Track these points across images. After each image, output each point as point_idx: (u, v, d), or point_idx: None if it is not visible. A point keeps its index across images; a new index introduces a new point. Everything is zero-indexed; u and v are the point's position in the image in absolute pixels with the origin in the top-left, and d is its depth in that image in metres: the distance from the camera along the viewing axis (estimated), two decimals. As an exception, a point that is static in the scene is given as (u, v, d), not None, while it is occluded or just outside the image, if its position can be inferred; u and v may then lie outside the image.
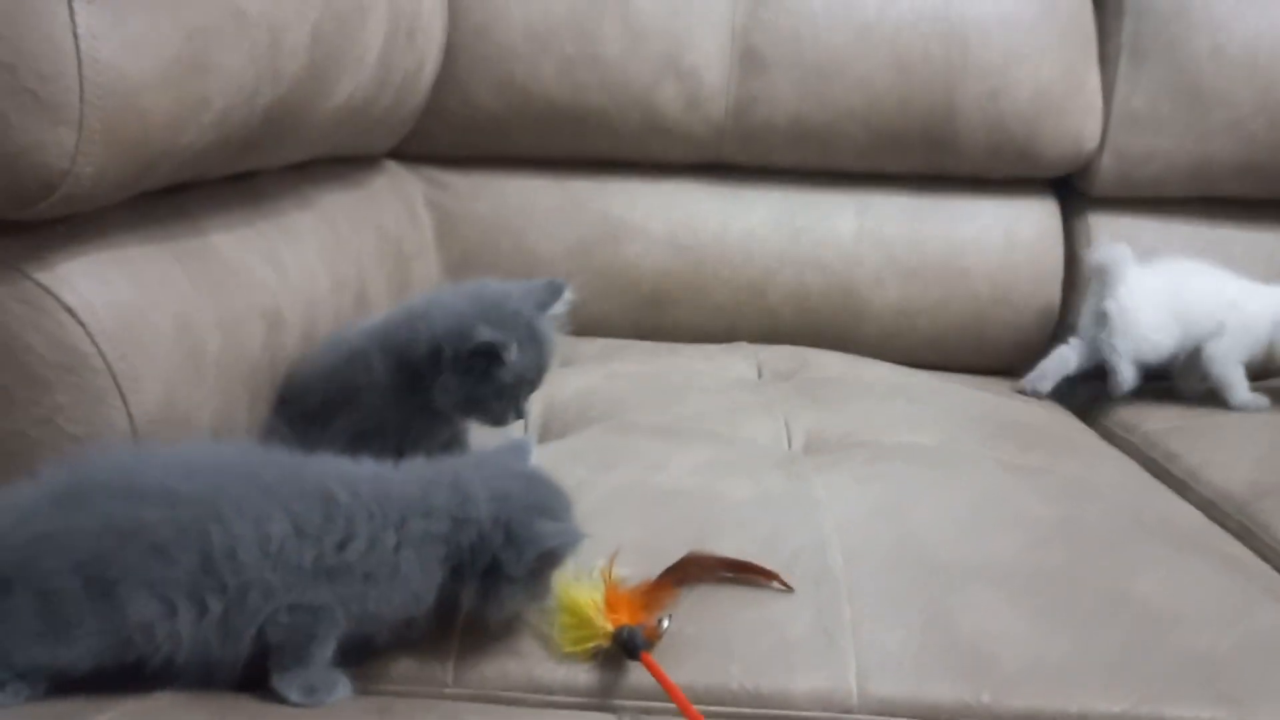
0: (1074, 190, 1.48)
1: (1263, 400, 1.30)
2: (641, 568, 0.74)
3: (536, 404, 1.09)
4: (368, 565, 0.61)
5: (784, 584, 0.75)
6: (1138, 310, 1.28)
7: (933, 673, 0.68)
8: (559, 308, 0.87)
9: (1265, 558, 0.95)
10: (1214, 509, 1.06)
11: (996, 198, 1.46)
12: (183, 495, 0.59)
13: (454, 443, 0.88)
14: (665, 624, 0.68)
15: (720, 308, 1.44)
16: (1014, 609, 0.74)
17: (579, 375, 1.18)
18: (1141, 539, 0.86)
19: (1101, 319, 1.30)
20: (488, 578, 0.64)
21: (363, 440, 0.77)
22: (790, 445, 1.05)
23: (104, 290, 0.67)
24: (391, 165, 1.37)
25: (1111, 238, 1.44)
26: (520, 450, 0.72)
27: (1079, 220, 1.47)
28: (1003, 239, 1.44)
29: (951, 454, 1.00)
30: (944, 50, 1.34)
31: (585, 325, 1.43)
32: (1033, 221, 1.45)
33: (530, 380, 0.84)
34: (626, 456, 0.93)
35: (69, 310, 0.64)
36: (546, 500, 0.67)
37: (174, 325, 0.71)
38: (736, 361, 1.33)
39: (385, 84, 1.00)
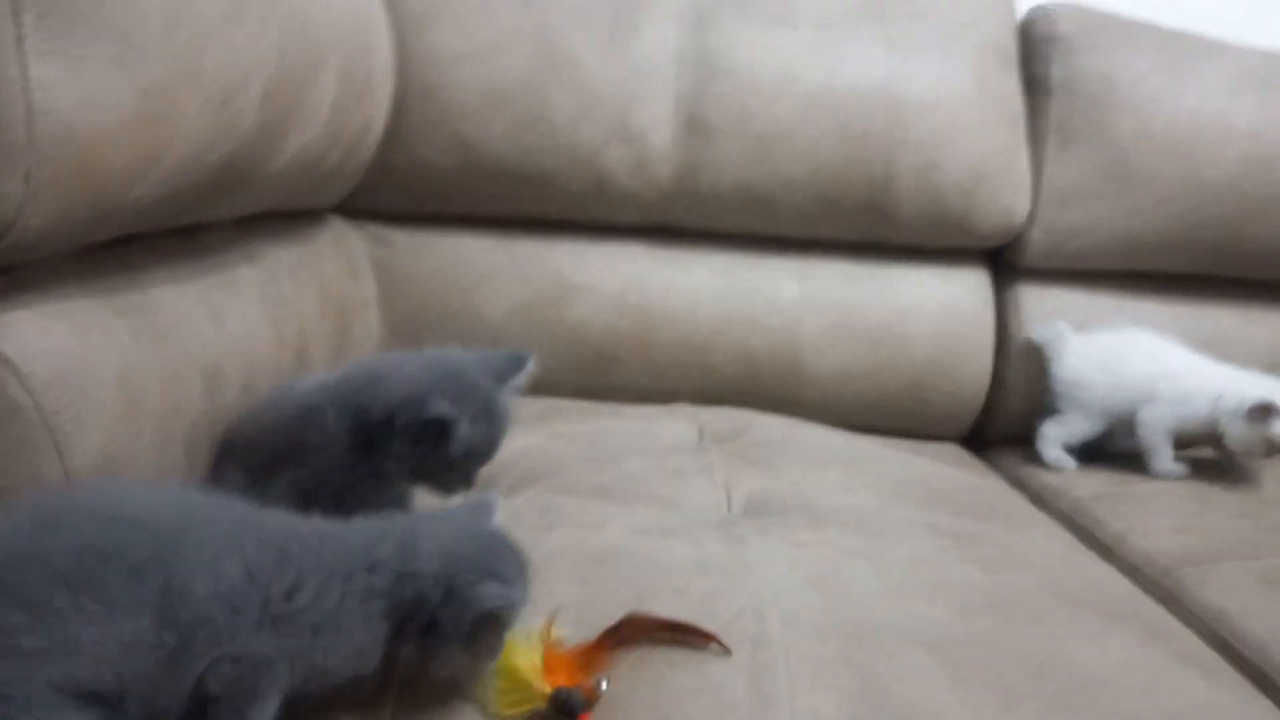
0: (1005, 262, 1.52)
1: (1182, 469, 1.34)
2: (579, 630, 0.74)
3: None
4: (314, 616, 0.60)
5: (722, 646, 0.75)
6: (1078, 376, 1.38)
7: (865, 738, 0.68)
8: (519, 380, 0.87)
9: (1188, 624, 0.98)
10: (1139, 575, 1.09)
11: (933, 267, 1.49)
12: (154, 522, 0.59)
13: (399, 504, 0.87)
14: (603, 686, 0.68)
15: (665, 368, 1.45)
16: (944, 675, 0.75)
17: (521, 435, 1.17)
18: (1069, 606, 0.88)
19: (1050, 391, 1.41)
20: (427, 636, 0.63)
21: (309, 497, 0.77)
22: (729, 508, 1.06)
23: (43, 341, 0.66)
24: (336, 221, 1.37)
25: (1039, 308, 1.49)
26: (483, 508, 0.72)
27: (1009, 291, 1.52)
28: (939, 307, 1.47)
29: (887, 519, 1.02)
30: (884, 123, 1.39)
31: (530, 384, 1.44)
32: (967, 291, 1.49)
33: (481, 454, 0.84)
34: (566, 518, 0.94)
35: (6, 360, 0.64)
36: (496, 562, 0.67)
37: (114, 378, 0.70)
38: (678, 422, 1.34)
39: (334, 140, 1.01)
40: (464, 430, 0.79)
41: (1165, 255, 1.47)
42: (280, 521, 0.65)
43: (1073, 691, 0.75)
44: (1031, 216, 1.46)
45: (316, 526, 0.66)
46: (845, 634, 0.79)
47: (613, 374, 1.43)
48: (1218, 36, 1.50)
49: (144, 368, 0.74)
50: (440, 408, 0.78)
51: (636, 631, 0.76)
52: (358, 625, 0.62)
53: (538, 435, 1.18)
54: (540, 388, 1.42)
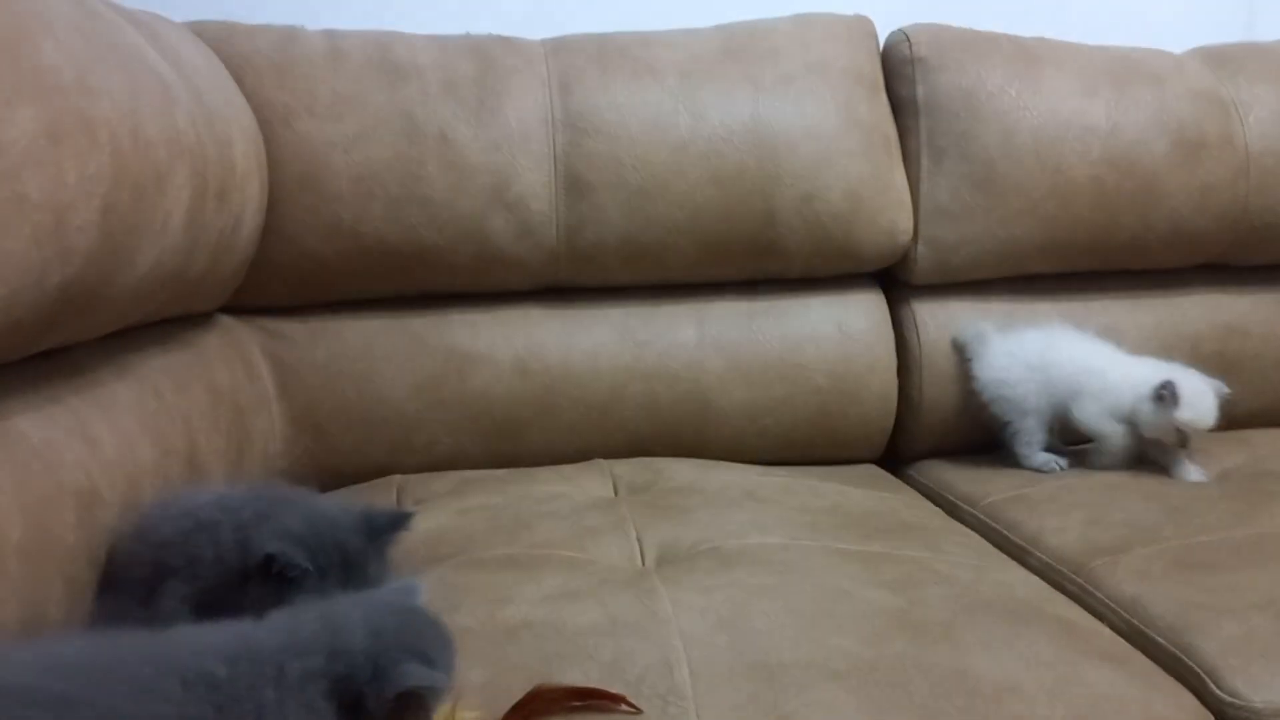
0: (898, 281, 1.55)
1: (1056, 463, 1.41)
2: (489, 709, 0.73)
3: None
4: None
5: (632, 706, 0.75)
6: (1002, 374, 1.42)
7: (777, 781, 0.68)
8: (394, 537, 0.87)
9: (1101, 616, 0.99)
10: (1053, 573, 1.10)
11: (826, 294, 1.51)
12: (56, 697, 0.54)
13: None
14: None
15: (573, 427, 1.45)
16: (854, 703, 0.75)
17: (429, 515, 1.17)
18: (978, 617, 0.89)
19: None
20: (354, 713, 0.62)
21: (201, 611, 0.76)
22: (643, 562, 1.05)
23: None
24: (224, 320, 1.36)
25: (936, 322, 1.52)
26: (408, 590, 0.71)
27: (904, 307, 1.54)
28: (836, 333, 1.49)
29: (795, 552, 1.02)
30: (757, 161, 1.41)
31: (439, 460, 1.43)
32: (862, 313, 1.51)
33: None
34: (472, 593, 0.93)
35: None
36: (421, 640, 0.66)
37: (-30, 518, 0.68)
38: (592, 479, 1.34)
39: (196, 246, 1.00)
40: (312, 583, 0.79)
41: (1043, 257, 1.50)
42: (192, 644, 0.62)
43: (982, 703, 0.76)
44: (915, 234, 1.49)
45: (229, 635, 0.63)
46: (755, 675, 0.79)
47: (521, 440, 1.43)
48: (1066, 38, 1.55)
49: (3, 502, 0.72)
50: (273, 546, 0.78)
51: (545, 703, 0.75)
52: (305, 715, 0.60)
53: (446, 512, 1.17)
54: (450, 462, 1.42)
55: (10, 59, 0.69)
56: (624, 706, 0.75)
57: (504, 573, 0.99)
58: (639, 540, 1.09)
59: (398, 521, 0.87)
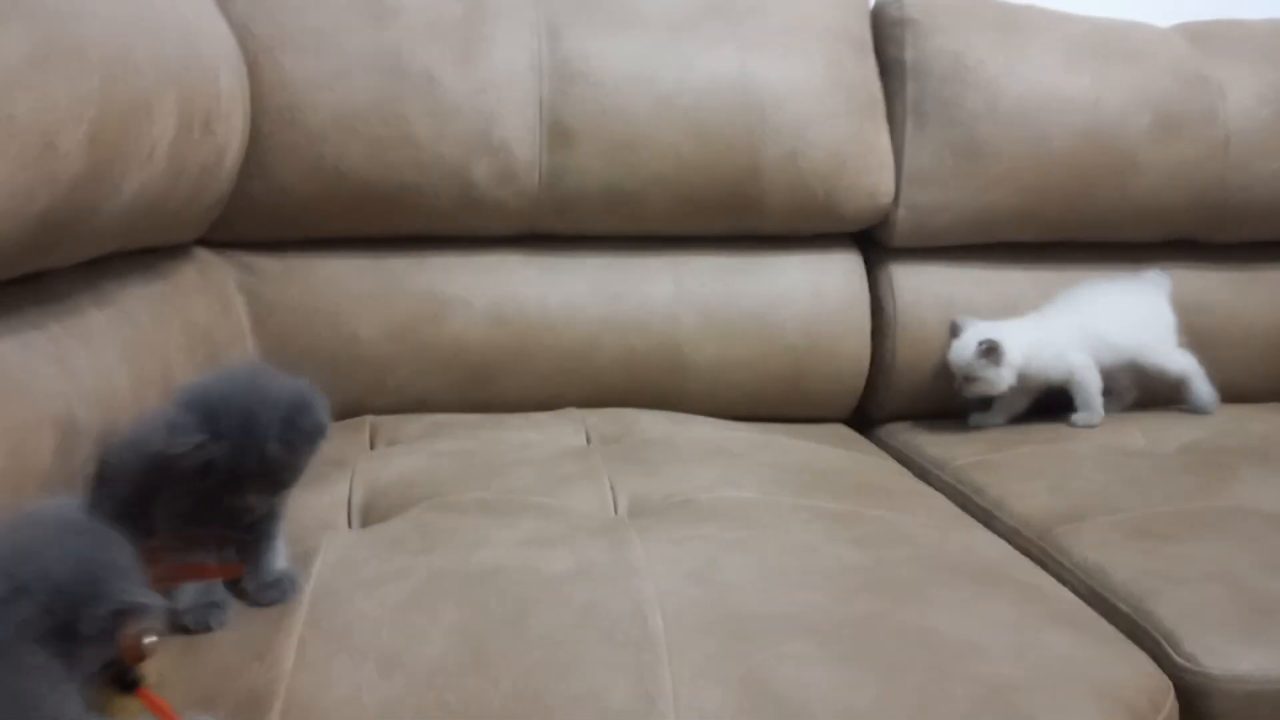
0: (876, 242, 1.56)
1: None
2: (463, 651, 0.74)
3: (360, 489, 1.08)
4: None
5: (236, 569, 0.80)
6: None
7: (747, 729, 0.70)
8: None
9: (1063, 580, 1.01)
10: (1017, 537, 1.12)
11: (803, 253, 1.52)
12: None
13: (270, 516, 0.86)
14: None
15: (547, 376, 1.45)
16: (824, 659, 0.76)
17: (402, 456, 1.17)
18: (944, 577, 0.91)
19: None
20: (67, 643, 0.58)
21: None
22: (616, 511, 1.07)
23: None
24: (201, 253, 1.34)
25: (911, 286, 1.53)
26: (71, 506, 0.67)
27: (881, 270, 1.55)
28: (811, 292, 1.50)
29: (766, 508, 1.04)
30: (742, 117, 1.40)
31: (411, 403, 1.43)
32: (839, 274, 1.52)
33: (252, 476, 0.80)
34: (445, 536, 0.93)
35: None
36: (119, 555, 0.63)
37: (-51, 443, 0.68)
38: (565, 428, 1.35)
39: (180, 176, 0.99)
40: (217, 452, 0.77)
41: (1019, 226, 1.52)
42: None
43: (947, 661, 0.77)
44: (896, 197, 1.50)
45: None
46: (727, 627, 0.80)
47: (495, 387, 1.43)
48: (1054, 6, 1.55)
49: (-17, 428, 0.71)
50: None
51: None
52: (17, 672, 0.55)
53: (419, 455, 1.17)
54: (423, 405, 1.42)
55: (-2, -23, 0.68)
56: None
57: (477, 517, 0.99)
58: (612, 490, 1.10)
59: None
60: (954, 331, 1.48)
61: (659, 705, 0.71)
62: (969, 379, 1.43)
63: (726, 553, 0.92)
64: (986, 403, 1.49)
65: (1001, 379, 1.41)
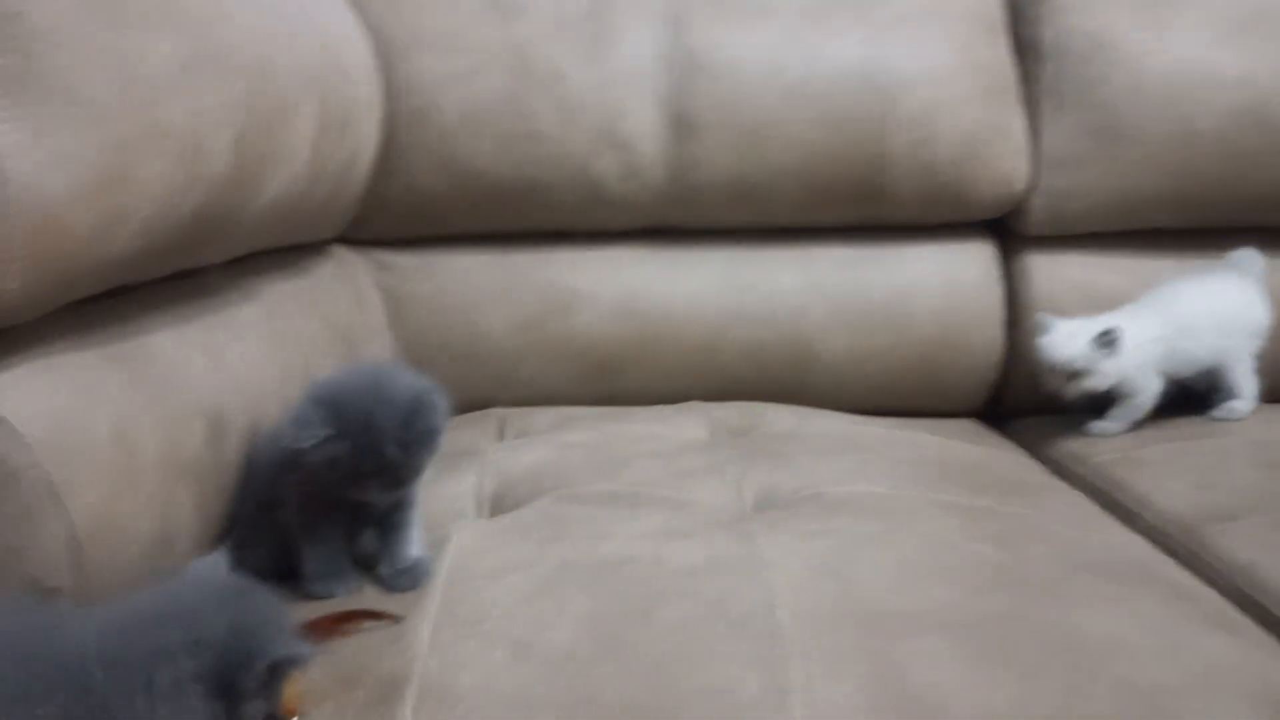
0: (1010, 230, 1.51)
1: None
2: (593, 640, 0.74)
3: (490, 479, 1.10)
4: None
5: (391, 617, 0.78)
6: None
7: (881, 726, 0.68)
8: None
9: (1212, 583, 0.97)
10: (1162, 537, 1.08)
11: (934, 243, 1.49)
12: None
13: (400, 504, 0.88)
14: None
15: (673, 370, 1.45)
16: (960, 656, 0.74)
17: (531, 449, 1.19)
18: (1085, 575, 0.88)
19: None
20: (229, 698, 0.60)
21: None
22: (741, 505, 1.06)
23: (36, 399, 0.67)
24: (339, 250, 1.39)
25: (1048, 275, 1.48)
26: (219, 564, 0.68)
27: (1016, 259, 1.51)
28: (943, 282, 1.47)
29: (899, 502, 1.02)
30: (871, 105, 1.38)
31: (539, 397, 1.45)
32: (971, 263, 1.48)
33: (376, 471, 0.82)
34: (574, 527, 0.94)
35: (2, 422, 0.65)
36: (271, 614, 0.65)
37: (109, 430, 0.71)
38: (689, 422, 1.34)
39: (319, 177, 1.02)
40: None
41: (1164, 211, 1.45)
42: (70, 642, 0.59)
43: (1090, 661, 0.75)
44: (1032, 183, 1.45)
45: (107, 629, 0.60)
46: (859, 622, 0.79)
47: (621, 381, 1.44)
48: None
49: (141, 417, 0.75)
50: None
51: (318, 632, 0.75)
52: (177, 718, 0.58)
53: (548, 447, 1.19)
54: (550, 399, 1.44)
55: (151, -12, 0.71)
56: (386, 621, 0.78)
57: (605, 508, 1.00)
58: (739, 484, 1.09)
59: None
60: (1041, 329, 1.38)
61: (789, 698, 0.70)
62: (1075, 375, 1.33)
63: (858, 547, 0.90)
64: (1100, 408, 1.41)
65: (1117, 371, 1.32)
